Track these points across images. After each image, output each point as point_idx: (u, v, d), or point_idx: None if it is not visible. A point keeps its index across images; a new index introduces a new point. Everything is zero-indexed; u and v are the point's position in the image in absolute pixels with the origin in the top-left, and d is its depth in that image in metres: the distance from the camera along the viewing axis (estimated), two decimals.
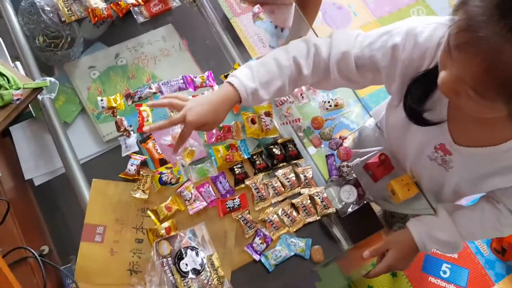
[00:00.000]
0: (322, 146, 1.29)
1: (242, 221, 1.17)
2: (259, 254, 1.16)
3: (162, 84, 1.27)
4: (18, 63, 1.29)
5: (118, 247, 1.14)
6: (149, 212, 1.16)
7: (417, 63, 0.94)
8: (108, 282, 1.11)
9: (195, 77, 1.30)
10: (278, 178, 1.24)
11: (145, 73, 1.38)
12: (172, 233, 1.13)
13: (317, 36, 1.38)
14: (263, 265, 1.16)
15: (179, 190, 1.18)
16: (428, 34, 0.92)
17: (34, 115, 1.26)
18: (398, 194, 1.16)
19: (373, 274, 1.17)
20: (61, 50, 1.35)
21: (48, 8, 1.36)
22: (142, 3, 1.43)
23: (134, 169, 1.18)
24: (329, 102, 1.30)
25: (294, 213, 1.21)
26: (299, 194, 1.24)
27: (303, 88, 1.32)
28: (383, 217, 2.00)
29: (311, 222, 1.22)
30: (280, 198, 1.23)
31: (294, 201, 1.22)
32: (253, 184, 1.21)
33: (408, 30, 0.95)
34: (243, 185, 1.22)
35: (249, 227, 1.18)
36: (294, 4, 1.63)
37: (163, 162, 1.22)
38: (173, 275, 1.06)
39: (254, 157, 1.25)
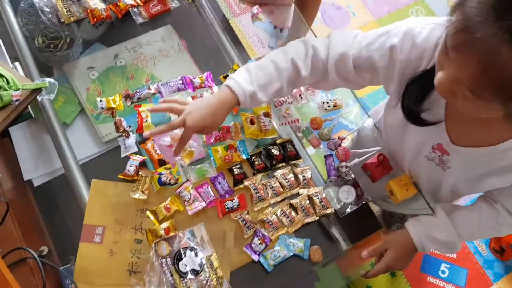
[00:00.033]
0: (321, 146, 1.30)
1: (241, 221, 1.18)
2: (258, 255, 1.16)
3: (161, 84, 1.28)
4: (17, 63, 1.30)
5: (117, 247, 1.14)
6: (148, 213, 1.16)
7: (415, 63, 0.94)
8: (107, 283, 1.11)
9: (194, 78, 1.30)
10: (277, 178, 1.24)
11: (144, 73, 1.38)
12: (171, 234, 1.13)
13: (316, 36, 1.38)
14: (262, 266, 1.16)
15: (178, 190, 1.19)
16: (426, 34, 0.93)
17: (33, 116, 1.27)
18: (397, 195, 1.16)
19: (371, 274, 1.17)
20: (60, 51, 1.36)
21: (47, 9, 1.36)
22: (141, 4, 1.43)
23: (133, 170, 1.19)
24: (327, 102, 1.30)
25: (293, 214, 1.21)
26: (298, 194, 1.24)
27: (302, 88, 1.32)
28: (381, 217, 2.00)
29: (309, 222, 1.22)
30: (279, 198, 1.23)
31: (293, 201, 1.22)
32: (252, 185, 1.21)
33: (406, 31, 0.96)
34: (242, 186, 1.22)
35: (248, 227, 1.18)
36: (293, 4, 1.63)
37: (162, 162, 1.22)
38: (172, 275, 1.07)
39: (253, 157, 1.26)
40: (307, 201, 1.22)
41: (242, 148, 1.25)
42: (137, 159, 1.20)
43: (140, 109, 1.24)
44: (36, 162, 1.24)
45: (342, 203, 1.23)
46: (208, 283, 1.08)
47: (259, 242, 1.16)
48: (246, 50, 1.50)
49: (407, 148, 1.12)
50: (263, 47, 1.85)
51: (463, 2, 0.70)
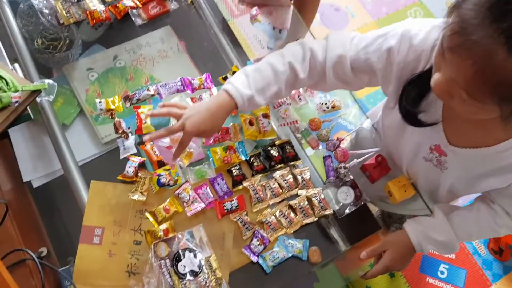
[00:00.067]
0: (320, 147, 1.30)
1: (240, 222, 1.18)
2: (257, 256, 1.16)
3: (160, 86, 1.28)
4: (16, 65, 1.30)
5: (116, 249, 1.14)
6: (147, 214, 1.16)
7: (413, 65, 0.95)
8: (106, 284, 1.11)
9: (193, 79, 1.30)
10: (275, 179, 1.24)
11: (144, 75, 1.39)
12: (170, 235, 1.13)
13: (314, 38, 1.38)
14: (260, 267, 1.16)
15: (177, 191, 1.19)
16: (423, 36, 0.93)
17: (32, 117, 1.27)
18: (395, 195, 1.17)
19: (370, 275, 1.18)
20: (60, 52, 1.36)
21: (47, 11, 1.37)
22: (140, 6, 1.44)
23: (132, 171, 1.19)
24: (326, 104, 1.30)
25: (292, 215, 1.21)
26: (297, 195, 1.24)
27: (301, 90, 1.33)
28: (380, 218, 2.00)
29: (308, 223, 1.22)
30: (277, 199, 1.23)
31: (291, 202, 1.22)
32: (251, 186, 1.22)
33: (403, 33, 0.96)
34: (241, 187, 1.22)
35: (247, 228, 1.18)
36: (292, 6, 1.63)
37: (161, 164, 1.22)
38: (171, 276, 1.07)
39: (252, 158, 1.26)
40: (306, 202, 1.23)
41: (241, 149, 1.26)
42: (136, 160, 1.21)
43: (139, 110, 1.25)
44: (35, 163, 1.24)
45: (341, 204, 1.24)
46: (207, 284, 1.08)
47: (258, 243, 1.17)
48: (245, 51, 1.50)
49: (405, 149, 1.12)
50: (262, 48, 1.85)
51: (459, 4, 0.71)
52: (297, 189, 1.25)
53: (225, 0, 1.73)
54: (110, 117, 1.25)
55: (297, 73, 1.06)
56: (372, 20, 2.77)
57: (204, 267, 1.10)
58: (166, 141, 1.21)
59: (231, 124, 1.28)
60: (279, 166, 1.27)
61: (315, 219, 1.22)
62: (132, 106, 1.26)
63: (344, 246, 1.24)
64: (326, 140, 1.29)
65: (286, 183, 1.24)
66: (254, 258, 1.16)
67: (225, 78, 1.33)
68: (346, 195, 1.23)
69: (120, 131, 1.23)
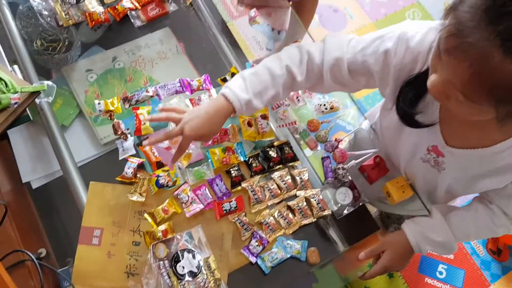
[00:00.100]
0: (318, 148, 1.30)
1: (239, 223, 1.18)
2: (256, 256, 1.17)
3: (159, 87, 1.28)
4: (15, 66, 1.30)
5: (115, 249, 1.15)
6: (146, 215, 1.16)
7: (410, 66, 0.95)
8: (105, 285, 1.11)
9: (192, 81, 1.31)
10: (274, 180, 1.25)
11: (143, 76, 1.39)
12: (169, 236, 1.13)
13: (312, 39, 1.39)
14: (259, 267, 1.16)
15: (176, 192, 1.19)
16: (420, 38, 0.93)
17: (31, 118, 1.27)
18: (393, 196, 1.17)
19: (368, 275, 1.18)
20: (59, 54, 1.36)
21: (46, 13, 1.37)
22: (139, 7, 1.44)
23: (131, 172, 1.19)
24: (324, 105, 1.31)
25: (290, 215, 1.22)
26: (295, 196, 1.25)
27: (299, 91, 1.33)
28: (379, 218, 2.00)
29: (307, 224, 1.22)
30: (276, 200, 1.23)
31: (290, 203, 1.23)
32: (250, 187, 1.22)
33: (400, 35, 0.96)
34: (239, 188, 1.23)
35: (245, 229, 1.18)
36: (290, 7, 1.64)
37: (160, 165, 1.22)
38: (169, 277, 1.07)
39: (251, 159, 1.26)
40: (305, 203, 1.23)
41: (239, 150, 1.26)
42: (135, 161, 1.21)
43: (138, 111, 1.25)
44: (34, 164, 1.25)
45: (339, 204, 1.24)
46: (206, 285, 1.08)
47: (257, 244, 1.17)
48: (244, 53, 1.50)
49: (402, 150, 1.13)
50: (261, 49, 1.85)
51: (456, 6, 0.71)
52: (295, 190, 1.25)
53: (224, 2, 1.73)
54: (109, 118, 1.25)
55: (294, 76, 1.06)
56: (370, 21, 2.78)
57: (202, 268, 1.10)
58: (165, 142, 1.22)
59: (230, 125, 1.28)
60: (277, 167, 1.27)
61: (314, 220, 1.23)
62: (131, 107, 1.27)
63: (343, 246, 1.24)
64: (325, 141, 1.29)
65: (284, 184, 1.24)
66: (253, 259, 1.16)
67: (224, 80, 1.33)
68: (344, 196, 1.23)
69: (119, 132, 1.24)
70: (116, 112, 1.26)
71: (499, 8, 0.64)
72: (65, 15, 1.37)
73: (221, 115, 1.05)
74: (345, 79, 1.06)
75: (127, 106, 1.27)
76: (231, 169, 1.24)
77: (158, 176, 1.19)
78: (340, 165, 1.25)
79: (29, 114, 1.27)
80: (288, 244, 1.19)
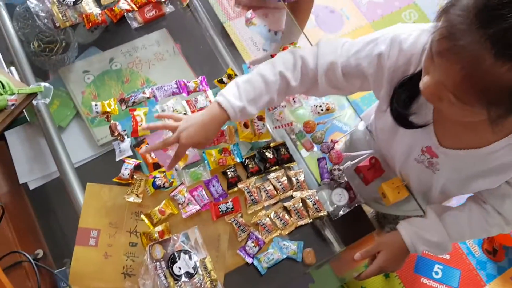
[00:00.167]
0: (314, 149, 1.31)
1: (235, 224, 1.19)
2: (252, 257, 1.17)
3: (156, 89, 1.29)
4: (12, 68, 1.30)
5: (112, 250, 1.15)
6: (142, 216, 1.17)
7: (403, 68, 0.96)
8: (102, 286, 1.12)
9: (189, 82, 1.31)
10: (270, 181, 1.25)
11: (139, 77, 1.39)
12: (166, 237, 1.14)
13: (308, 39, 1.39)
14: (255, 268, 1.17)
15: (172, 194, 1.20)
16: (413, 40, 0.94)
17: (28, 120, 1.28)
18: (389, 197, 1.18)
19: (364, 276, 1.19)
20: (56, 55, 1.37)
21: (43, 14, 1.37)
22: (136, 9, 1.44)
23: (128, 173, 1.19)
24: (320, 106, 1.31)
25: (286, 216, 1.22)
26: (291, 197, 1.25)
27: None
28: (375, 218, 2.01)
29: (303, 225, 1.23)
30: (272, 201, 1.24)
31: (286, 204, 1.23)
32: (246, 188, 1.23)
33: (392, 38, 0.97)
34: (236, 189, 1.23)
35: (241, 230, 1.19)
36: (286, 8, 1.65)
37: (156, 166, 1.23)
38: (166, 278, 1.08)
39: (247, 160, 1.27)
40: (301, 204, 1.24)
41: (236, 152, 1.27)
42: (131, 162, 1.21)
43: (135, 113, 1.25)
44: (31, 166, 1.25)
45: (335, 205, 1.25)
46: (202, 286, 1.09)
47: (253, 244, 1.18)
48: (241, 54, 1.51)
49: (397, 151, 1.13)
50: (258, 50, 1.86)
51: (448, 9, 0.72)
52: (291, 191, 1.26)
53: (221, 3, 1.74)
54: (106, 119, 1.25)
55: (288, 81, 1.07)
56: (367, 22, 2.78)
57: (199, 269, 1.11)
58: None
59: (226, 126, 1.28)
60: (274, 168, 1.27)
61: (310, 221, 1.23)
62: (128, 108, 1.27)
63: (339, 247, 1.25)
64: (321, 142, 1.30)
65: (280, 185, 1.25)
66: (249, 260, 1.17)
67: (221, 81, 1.34)
68: (340, 197, 1.24)
69: (116, 134, 1.24)
70: (113, 113, 1.26)
71: (490, 11, 0.64)
72: (62, 16, 1.37)
73: (216, 123, 1.07)
74: (340, 82, 1.07)
75: (124, 107, 1.27)
76: (228, 170, 1.25)
77: (154, 177, 1.20)
78: (336, 166, 1.26)
79: (26, 116, 1.27)
80: (284, 245, 1.20)
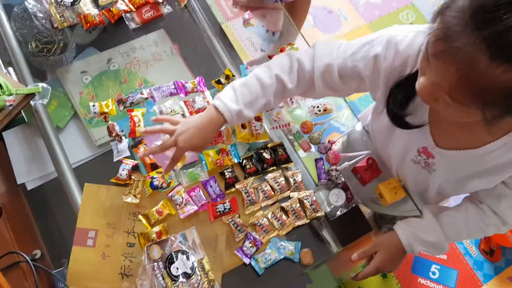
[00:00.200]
0: (312, 149, 1.31)
1: (233, 224, 1.19)
2: (249, 258, 1.18)
3: (154, 89, 1.29)
4: (10, 68, 1.30)
5: (109, 251, 1.15)
6: (140, 217, 1.17)
7: (399, 70, 0.97)
8: (100, 286, 1.12)
9: (186, 83, 1.32)
10: (268, 182, 1.26)
11: (137, 77, 1.40)
12: (163, 237, 1.14)
13: (305, 40, 1.40)
14: (253, 269, 1.17)
15: (170, 194, 1.20)
16: (409, 42, 0.95)
17: (26, 120, 1.28)
18: (386, 198, 1.18)
19: (361, 276, 1.19)
20: (54, 55, 1.37)
21: (41, 15, 1.37)
22: (134, 10, 1.44)
23: (126, 174, 1.20)
24: (318, 106, 1.32)
25: (284, 217, 1.23)
26: (289, 197, 1.26)
27: None
28: (372, 219, 2.01)
29: (300, 225, 1.24)
30: (270, 201, 1.24)
31: (283, 204, 1.24)
32: (243, 188, 1.23)
33: (388, 39, 0.98)
34: (233, 189, 1.24)
35: (239, 230, 1.19)
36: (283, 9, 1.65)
37: (154, 166, 1.23)
38: (164, 279, 1.08)
39: (245, 161, 1.27)
40: (298, 204, 1.24)
41: (233, 152, 1.27)
42: (129, 163, 1.22)
43: (133, 113, 1.26)
44: (29, 166, 1.25)
45: (332, 206, 1.25)
46: (200, 286, 1.09)
47: (250, 245, 1.18)
48: (239, 54, 1.51)
49: (394, 152, 1.14)
50: (256, 51, 1.86)
51: (443, 11, 0.72)
52: (289, 191, 1.26)
53: (218, 3, 1.74)
54: (104, 120, 1.26)
55: (284, 84, 1.08)
56: (364, 23, 2.79)
57: (196, 269, 1.11)
58: (159, 144, 1.22)
59: (224, 127, 1.29)
60: (271, 168, 1.28)
61: (307, 221, 1.24)
62: (125, 109, 1.27)
63: (336, 247, 1.25)
64: (318, 143, 1.30)
65: (278, 185, 1.25)
66: (247, 260, 1.17)
67: (218, 82, 1.34)
68: (337, 197, 1.25)
69: (114, 134, 1.24)
70: (110, 114, 1.26)
71: (485, 13, 0.65)
72: (60, 17, 1.37)
73: (213, 126, 1.08)
74: (336, 84, 1.07)
75: (121, 108, 1.27)
76: (225, 171, 1.25)
77: (152, 177, 1.20)
78: (333, 167, 1.26)
79: (24, 116, 1.28)
80: (281, 245, 1.20)
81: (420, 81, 0.80)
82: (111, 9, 1.42)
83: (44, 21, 1.38)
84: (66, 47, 1.38)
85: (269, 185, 1.25)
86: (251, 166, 1.27)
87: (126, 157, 1.23)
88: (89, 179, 1.21)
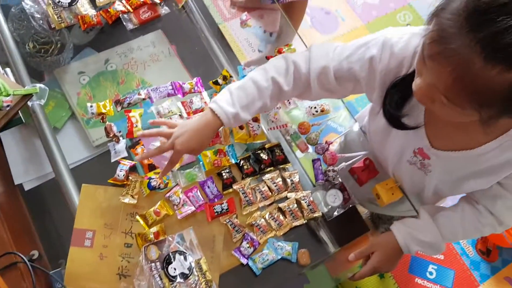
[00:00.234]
0: (309, 150, 1.32)
1: (230, 225, 1.19)
2: (247, 258, 1.18)
3: (151, 90, 1.29)
4: (8, 69, 1.30)
5: (107, 251, 1.15)
6: (137, 217, 1.17)
7: (395, 71, 0.97)
8: (97, 286, 1.12)
9: (184, 83, 1.32)
10: (265, 182, 1.26)
11: (135, 78, 1.40)
12: (161, 238, 1.14)
13: (302, 40, 1.40)
14: (250, 269, 1.18)
15: (167, 195, 1.20)
16: (404, 44, 0.96)
17: (24, 121, 1.28)
18: (383, 198, 1.19)
19: (358, 276, 1.20)
20: (51, 56, 1.37)
21: (38, 15, 1.37)
22: (131, 10, 1.44)
23: (123, 175, 1.20)
24: (315, 107, 1.32)
25: (281, 217, 1.23)
26: (286, 198, 1.26)
27: None
28: (370, 219, 2.02)
29: (298, 225, 1.24)
30: (267, 202, 1.25)
31: (281, 205, 1.24)
32: (241, 189, 1.23)
33: (384, 41, 0.98)
34: (231, 190, 1.24)
35: (236, 231, 1.20)
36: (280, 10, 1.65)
37: (151, 167, 1.23)
38: (161, 279, 1.08)
39: (242, 162, 1.27)
40: (295, 205, 1.24)
41: (231, 153, 1.27)
42: (127, 164, 1.22)
43: (130, 114, 1.26)
44: (26, 167, 1.25)
45: (330, 206, 1.25)
46: (197, 287, 1.09)
47: (248, 245, 1.18)
48: (236, 55, 1.51)
49: (390, 153, 1.14)
50: (253, 51, 1.86)
51: (438, 13, 0.73)
52: (286, 192, 1.27)
53: (216, 4, 1.74)
54: (101, 121, 1.26)
55: (281, 86, 1.08)
56: (362, 23, 2.79)
57: (194, 270, 1.11)
58: (157, 144, 1.22)
59: (222, 127, 1.29)
60: (268, 169, 1.28)
61: (304, 222, 1.24)
62: (123, 110, 1.27)
63: (333, 248, 1.26)
64: (315, 144, 1.31)
65: (275, 186, 1.25)
66: (244, 261, 1.18)
67: (216, 82, 1.34)
68: (334, 198, 1.25)
69: (111, 135, 1.24)
70: (108, 114, 1.26)
71: (479, 16, 0.65)
72: (57, 18, 1.37)
73: (210, 129, 1.08)
74: (332, 86, 1.08)
75: (119, 108, 1.27)
76: (223, 172, 1.25)
77: (150, 178, 1.20)
78: (331, 167, 1.27)
79: (22, 117, 1.28)
80: (279, 245, 1.20)
81: (417, 82, 0.81)
82: (109, 9, 1.42)
83: (41, 21, 1.38)
84: (63, 47, 1.38)
85: (267, 185, 1.25)
86: (249, 167, 1.27)
87: (124, 158, 1.24)
88: (87, 179, 1.22)
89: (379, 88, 1.01)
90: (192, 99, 1.31)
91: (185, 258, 1.12)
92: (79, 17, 1.39)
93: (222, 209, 1.20)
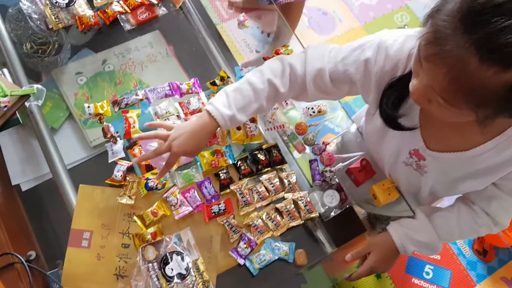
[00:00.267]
0: (306, 151, 1.32)
1: (227, 225, 1.20)
2: (244, 258, 1.18)
3: (149, 91, 1.29)
4: (5, 69, 1.30)
5: (104, 252, 1.15)
6: (135, 218, 1.17)
7: (390, 73, 0.98)
8: (95, 287, 1.12)
9: (181, 84, 1.32)
10: (262, 183, 1.26)
11: (132, 79, 1.40)
12: (158, 238, 1.15)
13: (299, 40, 1.40)
14: (247, 269, 1.18)
15: (165, 195, 1.20)
16: (399, 46, 0.96)
17: (21, 121, 1.28)
18: (380, 199, 1.19)
19: (355, 276, 1.20)
20: (49, 57, 1.37)
21: (36, 16, 1.37)
22: (129, 11, 1.44)
23: (121, 175, 1.20)
24: (312, 108, 1.32)
25: (278, 218, 1.23)
26: (283, 198, 1.26)
27: None
28: (367, 219, 2.02)
29: (295, 226, 1.24)
30: (264, 202, 1.25)
31: (278, 205, 1.24)
32: (238, 189, 1.23)
33: (379, 44, 0.99)
34: (228, 190, 1.24)
35: (234, 231, 1.20)
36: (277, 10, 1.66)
37: (149, 168, 1.23)
38: (158, 279, 1.08)
39: (239, 162, 1.28)
40: (292, 205, 1.25)
41: (228, 153, 1.27)
42: (124, 164, 1.22)
43: (128, 115, 1.26)
44: (24, 167, 1.25)
45: (327, 207, 1.26)
46: (194, 287, 1.10)
47: (245, 246, 1.19)
48: (234, 55, 1.52)
49: (386, 154, 1.15)
50: (251, 52, 1.87)
51: (433, 15, 0.73)
52: (283, 192, 1.27)
53: (214, 5, 1.74)
54: (99, 121, 1.26)
55: (277, 88, 1.09)
56: (359, 24, 2.80)
57: (191, 270, 1.11)
58: (154, 145, 1.23)
59: (219, 128, 1.29)
60: (266, 169, 1.28)
61: (301, 222, 1.25)
62: (120, 110, 1.27)
63: (330, 248, 1.26)
64: (312, 144, 1.31)
65: (272, 186, 1.26)
66: (241, 261, 1.18)
67: (213, 83, 1.34)
68: (331, 198, 1.25)
69: (109, 136, 1.24)
70: (105, 115, 1.26)
71: (474, 16, 0.66)
72: (55, 18, 1.37)
73: (206, 131, 1.08)
74: (328, 88, 1.08)
75: (116, 109, 1.28)
76: (220, 172, 1.25)
77: (147, 179, 1.20)
78: (328, 168, 1.27)
79: (19, 117, 1.28)
80: (276, 246, 1.21)
81: (413, 83, 0.81)
82: (106, 10, 1.42)
83: (39, 22, 1.38)
84: (61, 48, 1.38)
85: (264, 186, 1.26)
86: (246, 167, 1.27)
87: (121, 158, 1.24)
88: (84, 180, 1.22)
89: (375, 90, 1.02)
90: (190, 99, 1.31)
91: (182, 259, 1.12)
92: (76, 17, 1.39)
93: (220, 210, 1.20)
